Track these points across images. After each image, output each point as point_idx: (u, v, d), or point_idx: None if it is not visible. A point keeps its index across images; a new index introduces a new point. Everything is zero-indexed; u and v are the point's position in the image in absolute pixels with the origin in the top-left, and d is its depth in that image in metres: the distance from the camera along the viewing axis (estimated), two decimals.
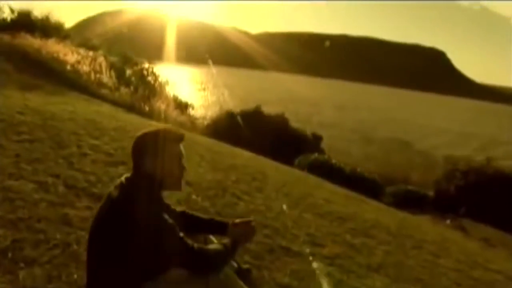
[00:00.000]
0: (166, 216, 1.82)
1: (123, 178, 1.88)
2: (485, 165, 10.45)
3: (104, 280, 1.77)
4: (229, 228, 2.18)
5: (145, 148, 1.85)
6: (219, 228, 2.22)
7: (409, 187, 11.14)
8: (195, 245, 1.86)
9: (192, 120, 17.43)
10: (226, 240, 2.06)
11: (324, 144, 22.35)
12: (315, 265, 3.29)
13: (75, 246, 2.39)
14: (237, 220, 2.24)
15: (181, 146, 1.96)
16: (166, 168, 1.88)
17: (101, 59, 12.88)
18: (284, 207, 4.93)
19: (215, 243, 2.11)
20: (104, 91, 11.61)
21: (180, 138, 1.95)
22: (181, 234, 1.82)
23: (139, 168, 1.86)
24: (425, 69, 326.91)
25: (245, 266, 2.54)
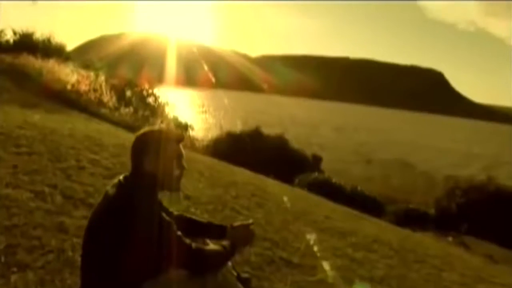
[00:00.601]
0: (163, 214, 1.79)
1: (121, 177, 1.86)
2: (486, 183, 10.39)
3: (99, 280, 1.73)
4: (228, 231, 2.14)
5: (146, 146, 1.84)
6: (217, 231, 2.18)
7: (410, 206, 11.06)
8: (193, 244, 1.82)
9: (192, 141, 17.44)
10: (225, 242, 2.02)
11: (324, 166, 22.31)
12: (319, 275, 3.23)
13: (70, 253, 2.34)
14: (236, 223, 2.20)
15: (181, 146, 1.94)
16: (166, 167, 1.86)
17: (101, 79, 13.00)
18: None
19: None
20: (104, 111, 11.65)
21: (180, 138, 1.94)
22: (179, 233, 1.78)
23: (138, 166, 1.84)
24: (424, 90, 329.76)
25: (245, 275, 2.49)
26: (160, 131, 1.90)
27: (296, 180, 12.53)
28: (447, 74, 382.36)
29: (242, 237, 2.12)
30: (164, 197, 2.02)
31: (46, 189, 3.26)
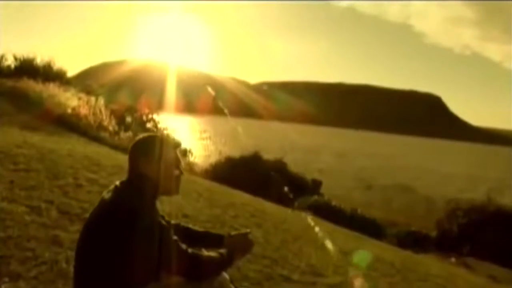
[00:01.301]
0: (159, 218, 1.76)
1: (117, 182, 1.84)
2: (486, 204, 10.32)
3: (93, 285, 1.68)
4: (225, 240, 2.11)
5: (145, 150, 1.83)
6: (215, 240, 2.14)
7: (411, 229, 10.93)
8: (189, 250, 1.79)
9: (191, 166, 17.40)
10: (222, 250, 1.98)
11: (324, 191, 22.17)
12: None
13: (64, 265, 2.30)
14: (234, 233, 2.17)
15: (178, 152, 1.94)
16: (165, 171, 1.85)
17: (101, 104, 13.08)
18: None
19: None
20: (104, 135, 11.67)
21: (177, 144, 1.95)
22: (175, 238, 1.75)
23: (136, 170, 1.82)
24: (422, 115, 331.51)
25: None
26: (158, 136, 1.90)
27: (296, 203, 12.43)
28: (444, 98, 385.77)
29: (240, 246, 2.08)
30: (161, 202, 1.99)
31: (42, 204, 3.23)
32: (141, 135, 1.90)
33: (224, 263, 1.93)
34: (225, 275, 2.01)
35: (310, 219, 9.03)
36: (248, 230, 2.19)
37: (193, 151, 20.53)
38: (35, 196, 3.39)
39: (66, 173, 4.56)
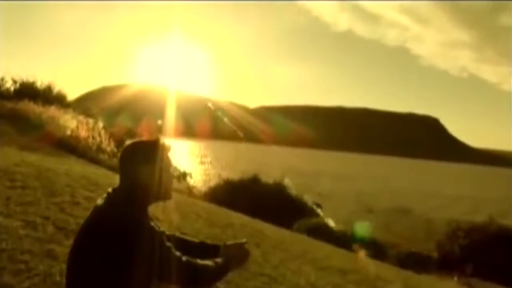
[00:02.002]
0: (152, 224, 1.74)
1: (110, 189, 1.83)
2: (488, 224, 10.23)
3: None
4: (221, 250, 2.07)
5: (135, 155, 1.80)
6: (210, 251, 2.10)
7: (412, 249, 10.79)
8: (183, 257, 1.76)
9: (190, 189, 17.33)
10: (218, 259, 1.95)
11: (323, 214, 22.00)
12: None
13: (58, 277, 2.27)
14: (229, 242, 2.13)
15: (169, 155, 1.92)
16: (156, 176, 1.83)
17: (100, 126, 13.13)
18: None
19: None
20: (103, 157, 11.67)
21: (168, 148, 1.92)
22: (169, 244, 1.72)
23: (129, 177, 1.81)
24: (421, 137, 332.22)
25: None
26: (149, 140, 1.86)
27: (295, 226, 12.31)
28: (443, 120, 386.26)
29: (236, 255, 2.04)
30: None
31: (38, 220, 3.20)
32: (133, 140, 1.87)
33: (220, 272, 1.89)
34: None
35: (309, 240, 8.94)
36: (244, 240, 2.15)
37: (192, 174, 20.48)
38: (31, 211, 3.37)
39: (63, 191, 4.54)
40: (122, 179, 1.83)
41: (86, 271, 1.65)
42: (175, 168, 18.29)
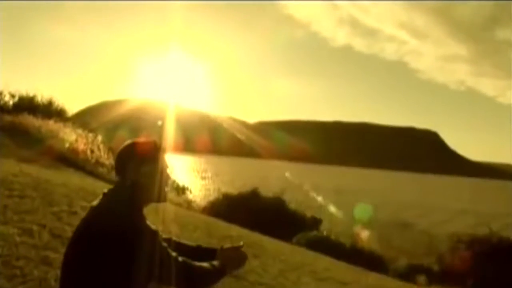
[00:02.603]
0: (148, 223, 1.73)
1: (105, 190, 1.82)
2: (488, 236, 10.16)
3: None
4: (217, 253, 2.05)
5: (134, 155, 1.80)
6: (207, 254, 2.08)
7: (413, 262, 10.70)
8: (180, 258, 1.74)
9: (189, 202, 17.26)
10: (215, 262, 1.93)
11: (323, 228, 21.86)
12: None
13: (52, 282, 2.24)
14: (226, 246, 2.12)
15: (165, 157, 1.91)
16: (154, 177, 1.83)
17: (99, 140, 13.13)
18: None
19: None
20: (101, 170, 11.65)
21: (165, 149, 1.91)
22: (165, 244, 1.71)
23: (125, 176, 1.80)
24: (420, 151, 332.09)
25: None
26: (146, 141, 1.86)
27: (295, 239, 12.22)
28: (441, 133, 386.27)
29: (233, 258, 2.03)
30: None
31: (35, 227, 3.18)
32: (129, 141, 1.86)
33: (216, 274, 1.87)
34: None
35: (309, 253, 8.86)
36: (241, 243, 2.14)
37: (191, 189, 20.42)
38: (27, 219, 3.35)
39: (61, 201, 4.52)
40: (119, 179, 1.83)
41: (82, 270, 1.64)
42: (174, 181, 18.26)
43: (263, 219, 15.26)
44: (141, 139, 1.86)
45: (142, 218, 1.77)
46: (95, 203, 1.79)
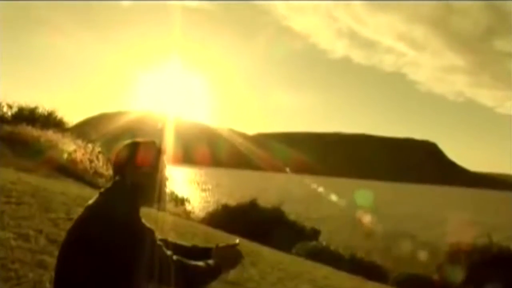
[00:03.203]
0: (143, 221, 1.73)
1: (102, 189, 1.83)
2: (488, 245, 10.12)
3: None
4: (213, 252, 2.05)
5: (134, 155, 1.80)
6: (202, 254, 2.07)
7: (413, 272, 10.64)
8: (175, 256, 1.74)
9: (188, 213, 17.23)
10: (210, 261, 1.92)
11: (322, 239, 21.76)
12: None
13: (47, 285, 2.24)
14: (222, 244, 2.11)
15: (164, 157, 1.92)
16: (151, 177, 1.83)
17: (97, 150, 13.15)
18: None
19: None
20: (100, 180, 11.65)
21: (164, 150, 1.92)
22: (160, 243, 1.71)
23: (123, 176, 1.80)
24: (419, 162, 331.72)
25: None
26: (150, 142, 1.86)
27: (294, 250, 12.17)
28: (440, 144, 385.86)
29: (228, 257, 2.02)
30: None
31: (31, 232, 3.18)
32: (128, 141, 1.86)
33: (212, 273, 1.86)
34: None
35: (308, 263, 8.81)
36: (237, 241, 2.13)
37: (190, 200, 20.37)
38: (24, 225, 3.35)
39: (59, 209, 4.51)
40: (117, 178, 1.83)
41: (79, 270, 1.64)
42: (173, 192, 18.24)
43: (262, 230, 15.22)
44: (140, 139, 1.87)
45: (139, 217, 1.77)
46: (91, 202, 1.79)
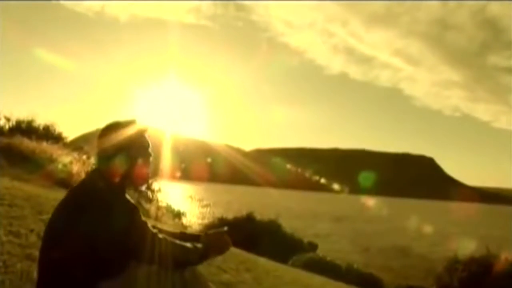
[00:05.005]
0: (128, 197, 1.75)
1: (89, 170, 1.85)
2: (486, 256, 10.07)
3: (57, 270, 1.63)
4: (201, 238, 2.06)
5: (117, 136, 1.82)
6: (191, 240, 2.09)
7: (410, 283, 10.56)
8: (160, 234, 1.75)
9: (185, 227, 17.09)
10: (198, 244, 1.93)
11: (319, 253, 21.62)
12: None
13: (35, 275, 2.23)
14: (211, 231, 2.13)
15: (147, 137, 1.93)
16: (134, 158, 1.85)
17: (93, 163, 13.08)
18: None
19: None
20: None
21: (145, 129, 1.92)
22: (144, 219, 1.72)
23: (106, 159, 1.82)
24: (417, 176, 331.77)
25: None
26: (130, 121, 1.88)
27: (290, 261, 12.08)
28: (437, 159, 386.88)
29: (216, 243, 2.04)
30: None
31: (22, 230, 3.18)
32: (110, 122, 1.86)
33: (198, 255, 1.88)
34: (200, 271, 1.95)
35: (303, 273, 8.74)
36: (225, 228, 2.15)
37: (187, 214, 20.23)
38: (16, 224, 3.34)
39: (51, 211, 4.49)
40: (99, 160, 1.84)
41: (62, 244, 1.65)
42: (170, 206, 18.13)
43: (258, 241, 15.11)
44: (123, 119, 1.89)
45: (124, 194, 1.79)
46: (75, 185, 1.82)
